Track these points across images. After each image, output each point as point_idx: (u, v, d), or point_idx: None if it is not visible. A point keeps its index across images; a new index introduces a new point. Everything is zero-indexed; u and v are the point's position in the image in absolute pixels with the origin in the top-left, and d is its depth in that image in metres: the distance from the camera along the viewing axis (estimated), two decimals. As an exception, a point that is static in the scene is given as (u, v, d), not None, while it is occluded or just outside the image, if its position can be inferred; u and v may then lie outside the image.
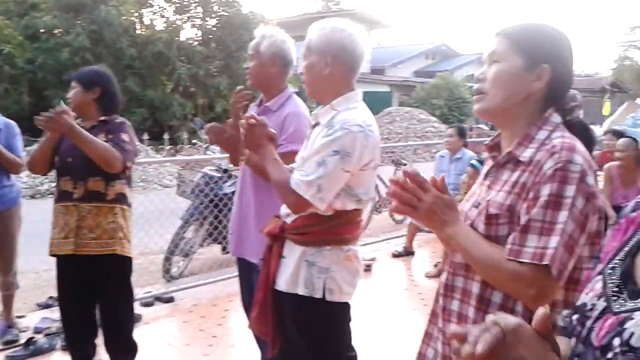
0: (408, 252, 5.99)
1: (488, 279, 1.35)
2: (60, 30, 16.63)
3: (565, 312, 0.93)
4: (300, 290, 2.02)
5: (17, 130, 3.78)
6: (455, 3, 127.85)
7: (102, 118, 2.87)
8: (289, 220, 2.08)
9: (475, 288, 1.40)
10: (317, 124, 2.07)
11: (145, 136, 5.28)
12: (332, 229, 2.02)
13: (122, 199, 2.88)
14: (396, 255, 5.93)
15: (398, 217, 7.85)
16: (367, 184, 2.04)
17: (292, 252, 2.06)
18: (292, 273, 2.04)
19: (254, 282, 2.74)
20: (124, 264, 2.94)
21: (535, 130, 1.38)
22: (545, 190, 1.26)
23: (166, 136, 4.60)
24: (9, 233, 3.76)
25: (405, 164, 7.37)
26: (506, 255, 1.28)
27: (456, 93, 25.61)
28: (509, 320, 0.75)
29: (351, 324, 2.23)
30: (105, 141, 2.77)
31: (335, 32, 2.00)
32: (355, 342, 2.30)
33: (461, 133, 5.84)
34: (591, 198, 1.26)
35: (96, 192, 2.78)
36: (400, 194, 1.34)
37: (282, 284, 2.07)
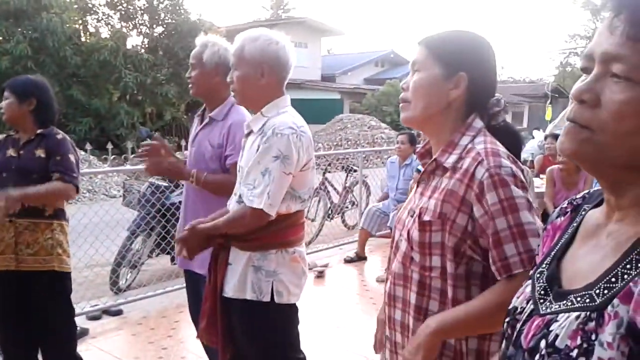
0: (360, 258, 6.02)
1: (493, 324, 1.26)
2: (0, 38, 16.02)
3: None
4: (249, 295, 2.04)
5: None
6: (404, 12, 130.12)
7: (39, 131, 2.77)
8: None
9: (412, 298, 1.41)
10: (250, 132, 2.11)
11: (88, 146, 5.16)
12: (277, 233, 2.05)
13: (60, 214, 2.82)
14: (348, 261, 5.95)
15: (350, 222, 7.90)
16: (308, 184, 2.10)
17: (238, 259, 2.07)
18: (240, 279, 2.05)
19: (202, 294, 2.71)
20: (63, 279, 2.85)
21: (459, 136, 1.40)
22: (493, 199, 1.28)
23: (110, 146, 4.48)
24: None
25: (356, 170, 7.43)
26: (497, 277, 1.29)
27: (405, 100, 25.96)
28: None
29: (301, 327, 2.24)
30: (45, 159, 2.71)
31: (270, 44, 2.05)
32: (307, 346, 2.31)
33: (412, 140, 5.93)
34: (526, 189, 1.31)
35: (34, 208, 2.70)
36: None
37: (230, 290, 2.08)
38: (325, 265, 5.66)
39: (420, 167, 5.22)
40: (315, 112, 21.38)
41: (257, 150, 1.99)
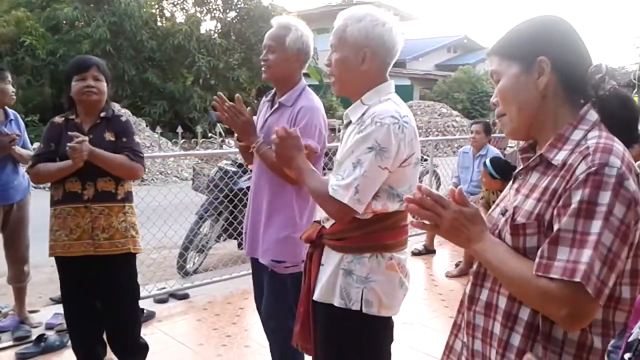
0: (428, 251, 5.83)
1: (517, 296, 1.23)
2: (81, 22, 16.65)
3: (613, 343, 0.80)
4: (336, 301, 1.86)
5: (22, 122, 3.84)
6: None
7: (103, 114, 2.79)
8: (327, 224, 1.94)
9: (501, 302, 1.27)
10: (349, 123, 1.91)
11: (159, 129, 5.26)
12: (373, 235, 1.84)
13: (130, 196, 2.87)
14: (416, 254, 5.77)
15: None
16: (409, 182, 1.85)
17: (330, 259, 1.90)
18: (328, 282, 1.88)
19: (263, 283, 2.64)
20: (131, 261, 2.90)
21: (570, 129, 1.24)
22: (576, 197, 1.12)
23: (180, 130, 4.53)
24: (24, 222, 3.78)
25: (426, 160, 7.19)
26: (534, 271, 1.15)
27: (478, 87, 25.28)
28: None
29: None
30: (114, 142, 2.74)
31: (376, 25, 1.81)
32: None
33: (487, 130, 5.66)
34: (633, 205, 1.11)
35: (107, 192, 2.74)
36: (418, 211, 1.26)
37: (317, 293, 1.91)
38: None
39: (487, 162, 5.02)
40: (384, 98, 21.03)
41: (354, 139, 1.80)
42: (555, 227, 1.14)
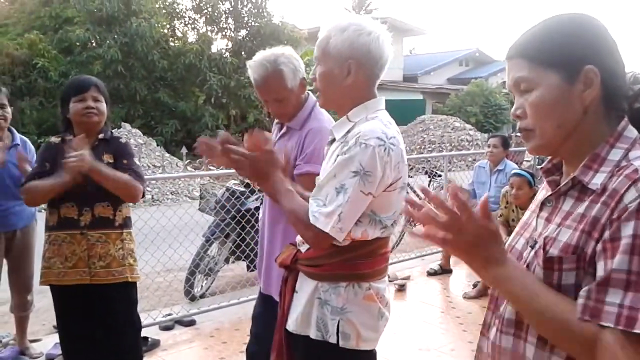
0: (444, 270, 5.62)
1: (550, 338, 1.04)
2: (93, 43, 16.78)
3: None
4: (312, 333, 1.72)
5: (32, 147, 3.70)
6: (488, 9, 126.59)
7: (101, 136, 2.66)
8: (303, 248, 1.80)
9: (529, 351, 1.09)
10: (333, 140, 1.76)
11: (164, 151, 5.20)
12: (349, 262, 1.70)
13: (128, 222, 2.76)
14: (431, 274, 5.57)
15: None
16: (392, 208, 1.70)
17: (305, 287, 1.76)
18: (303, 312, 1.74)
19: (274, 318, 2.47)
20: (131, 290, 2.77)
21: (606, 148, 1.06)
22: (628, 230, 0.94)
23: (184, 151, 4.43)
24: (29, 250, 3.65)
25: (440, 175, 7.01)
26: (579, 314, 0.97)
27: (491, 100, 25.05)
28: None
29: (379, 347, 1.87)
30: (113, 164, 2.62)
31: (361, 35, 1.66)
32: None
33: (505, 143, 5.48)
34: None
35: (105, 218, 2.62)
36: (432, 218, 1.04)
37: (292, 324, 1.78)
38: (407, 278, 5.32)
39: (519, 171, 4.83)
40: (396, 113, 20.59)
41: (335, 160, 1.65)
42: (601, 265, 0.97)
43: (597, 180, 1.04)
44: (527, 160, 8.88)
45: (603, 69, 1.05)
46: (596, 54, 1.06)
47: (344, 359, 1.71)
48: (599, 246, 0.98)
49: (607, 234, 0.97)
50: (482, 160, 5.93)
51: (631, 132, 1.08)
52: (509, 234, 5.41)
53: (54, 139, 2.71)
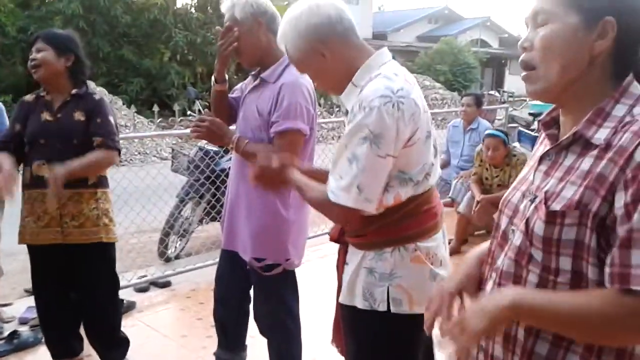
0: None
1: (590, 333, 1.01)
2: (52, -3, 16.08)
3: None
4: (359, 303, 1.67)
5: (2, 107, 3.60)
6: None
7: (74, 91, 2.56)
8: None
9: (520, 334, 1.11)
10: (347, 112, 1.67)
11: (133, 108, 5.04)
12: (390, 227, 1.62)
13: (103, 181, 2.68)
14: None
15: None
16: (421, 160, 1.61)
17: (354, 258, 1.71)
18: (349, 282, 1.69)
19: (238, 278, 2.47)
20: (109, 250, 2.71)
21: (611, 103, 1.04)
22: None
23: (156, 108, 4.31)
24: None
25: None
26: (607, 283, 0.96)
27: (461, 58, 25.11)
28: None
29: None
30: (85, 121, 2.52)
31: (312, 16, 1.61)
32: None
33: (478, 102, 5.48)
34: None
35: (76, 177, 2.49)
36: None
37: (342, 295, 1.74)
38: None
39: (493, 131, 4.85)
40: (366, 71, 20.82)
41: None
42: (624, 227, 0.95)
43: (600, 135, 1.03)
44: (498, 119, 8.96)
45: (622, 25, 1.03)
46: (620, 7, 1.04)
47: (397, 326, 1.66)
48: (617, 213, 0.96)
49: (620, 200, 0.96)
50: (455, 119, 5.94)
51: (636, 88, 1.06)
52: (483, 191, 5.49)
53: (29, 97, 2.63)
